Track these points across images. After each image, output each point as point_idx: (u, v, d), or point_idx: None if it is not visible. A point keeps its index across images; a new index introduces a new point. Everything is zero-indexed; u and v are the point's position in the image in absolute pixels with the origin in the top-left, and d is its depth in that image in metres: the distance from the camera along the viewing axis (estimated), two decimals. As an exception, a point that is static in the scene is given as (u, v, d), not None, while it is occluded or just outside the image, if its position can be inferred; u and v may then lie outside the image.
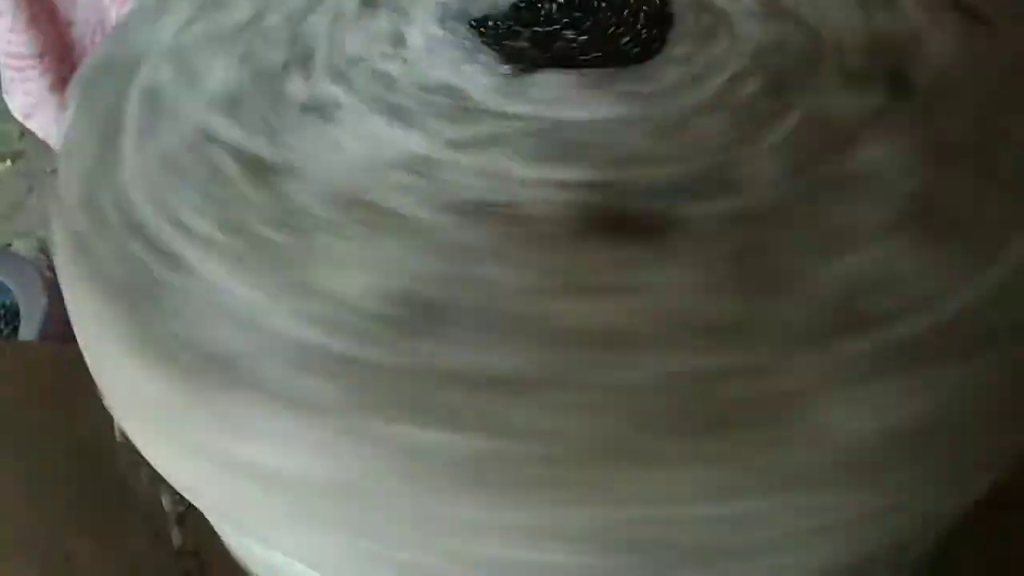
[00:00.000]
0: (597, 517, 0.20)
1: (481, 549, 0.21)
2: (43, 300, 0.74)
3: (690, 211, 0.25)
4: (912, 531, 0.26)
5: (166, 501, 0.41)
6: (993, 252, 0.24)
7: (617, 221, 0.24)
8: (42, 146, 0.71)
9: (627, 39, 0.31)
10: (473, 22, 0.31)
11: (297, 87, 0.30)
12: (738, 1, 0.33)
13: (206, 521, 0.33)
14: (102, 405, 0.40)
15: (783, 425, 0.21)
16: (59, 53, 0.63)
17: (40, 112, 0.66)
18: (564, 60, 0.30)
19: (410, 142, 0.27)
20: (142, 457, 0.29)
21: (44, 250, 0.97)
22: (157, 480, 0.31)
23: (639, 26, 0.31)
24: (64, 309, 0.37)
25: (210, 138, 0.29)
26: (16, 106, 0.66)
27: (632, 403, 0.21)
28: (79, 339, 0.30)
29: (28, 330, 0.70)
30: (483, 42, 0.31)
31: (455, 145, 0.26)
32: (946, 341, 0.23)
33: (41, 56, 0.62)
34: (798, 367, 0.21)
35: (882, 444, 0.21)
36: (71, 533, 0.44)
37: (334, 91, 0.30)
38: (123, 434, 0.38)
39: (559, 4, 0.32)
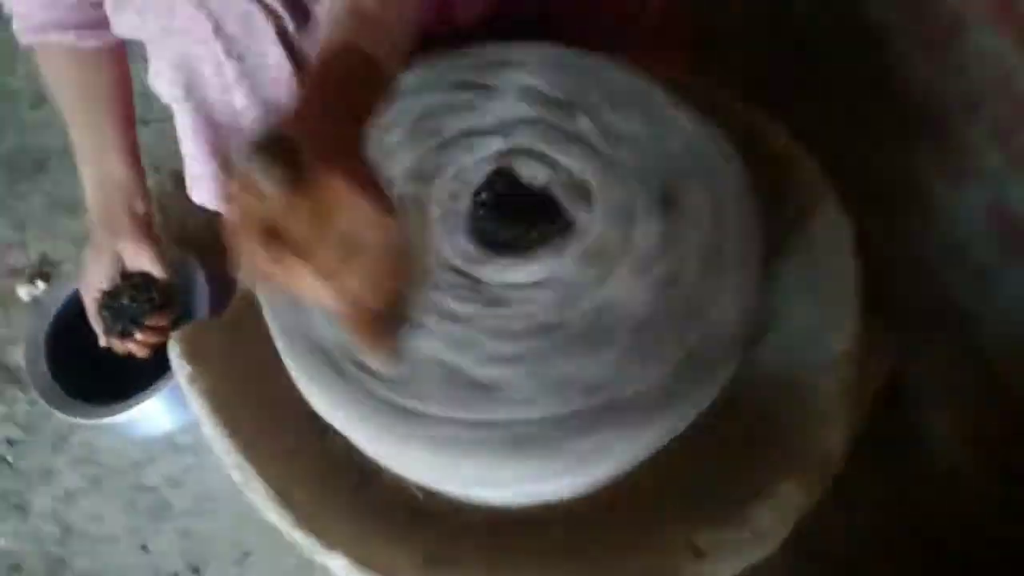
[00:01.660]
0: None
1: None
2: (201, 276, 0.98)
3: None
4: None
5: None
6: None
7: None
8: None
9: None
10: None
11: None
12: (587, 161, 0.63)
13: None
14: (256, 349, 0.74)
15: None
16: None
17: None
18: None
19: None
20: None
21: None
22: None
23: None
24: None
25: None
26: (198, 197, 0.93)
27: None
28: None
29: (200, 302, 0.97)
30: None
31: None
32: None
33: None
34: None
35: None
36: (269, 423, 0.76)
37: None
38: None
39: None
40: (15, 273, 1.22)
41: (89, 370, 0.99)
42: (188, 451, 1.01)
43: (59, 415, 0.94)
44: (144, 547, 0.96)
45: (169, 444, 1.02)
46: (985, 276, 0.87)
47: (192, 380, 0.74)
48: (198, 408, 0.73)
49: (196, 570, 0.94)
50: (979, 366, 0.87)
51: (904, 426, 0.90)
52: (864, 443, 0.67)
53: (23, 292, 1.13)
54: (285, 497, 0.67)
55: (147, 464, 1.01)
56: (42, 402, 0.94)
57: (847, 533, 0.85)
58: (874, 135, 0.96)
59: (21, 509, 1.01)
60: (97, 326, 0.85)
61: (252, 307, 0.81)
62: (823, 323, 0.69)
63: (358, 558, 0.64)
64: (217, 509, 0.97)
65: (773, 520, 0.60)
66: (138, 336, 0.83)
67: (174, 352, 0.76)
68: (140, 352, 0.84)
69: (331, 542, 0.65)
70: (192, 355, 0.76)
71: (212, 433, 0.72)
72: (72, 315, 1.01)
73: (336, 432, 0.78)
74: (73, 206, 1.26)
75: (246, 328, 0.83)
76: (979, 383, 0.87)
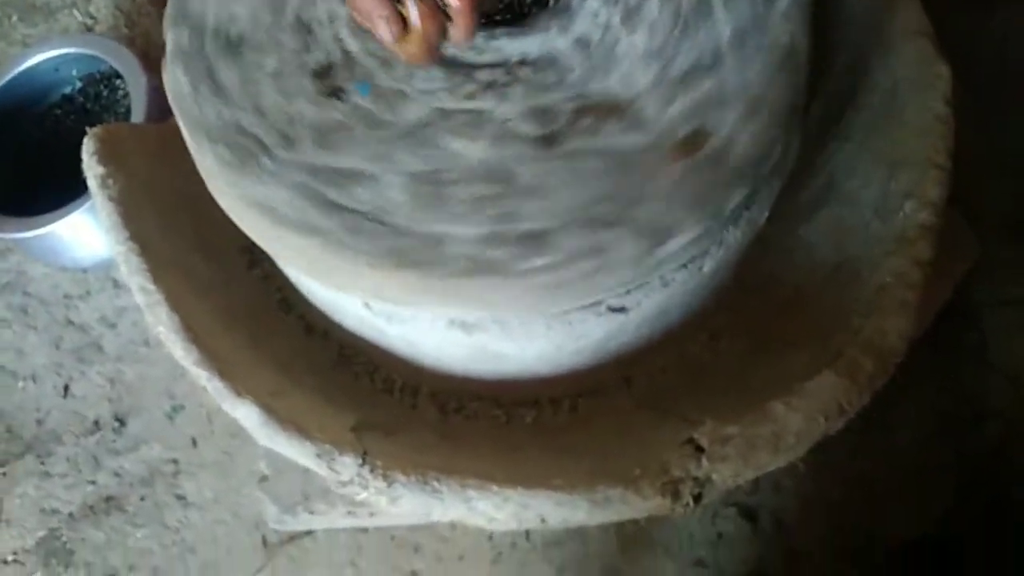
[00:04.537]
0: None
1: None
2: (144, 80, 0.86)
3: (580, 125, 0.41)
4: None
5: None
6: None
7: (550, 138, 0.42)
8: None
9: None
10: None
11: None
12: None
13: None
14: (195, 170, 0.60)
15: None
16: None
17: None
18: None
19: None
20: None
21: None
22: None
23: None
24: (160, 88, 0.56)
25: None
26: None
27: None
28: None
29: (137, 108, 0.84)
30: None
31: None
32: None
33: None
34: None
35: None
36: (188, 248, 0.63)
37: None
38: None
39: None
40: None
41: (20, 183, 0.86)
42: (126, 289, 0.88)
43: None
44: (67, 389, 0.85)
45: (107, 279, 0.90)
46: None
47: (102, 184, 0.60)
48: (105, 216, 0.59)
49: (121, 420, 0.83)
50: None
51: (959, 346, 0.75)
52: (910, 357, 0.52)
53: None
54: (193, 331, 0.54)
55: (80, 299, 0.89)
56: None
57: (878, 456, 0.71)
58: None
59: (-63, 334, 0.90)
60: None
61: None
62: (899, 189, 0.54)
63: (273, 410, 0.51)
64: (151, 356, 0.85)
65: (800, 418, 0.45)
66: None
67: (87, 151, 0.62)
68: None
69: (241, 388, 0.52)
70: (108, 156, 0.62)
71: (117, 249, 0.58)
72: (1, 115, 0.87)
73: (269, 265, 0.65)
74: (30, 9, 1.10)
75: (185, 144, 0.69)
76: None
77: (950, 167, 0.53)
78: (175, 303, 0.56)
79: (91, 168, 0.61)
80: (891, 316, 0.48)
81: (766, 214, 0.54)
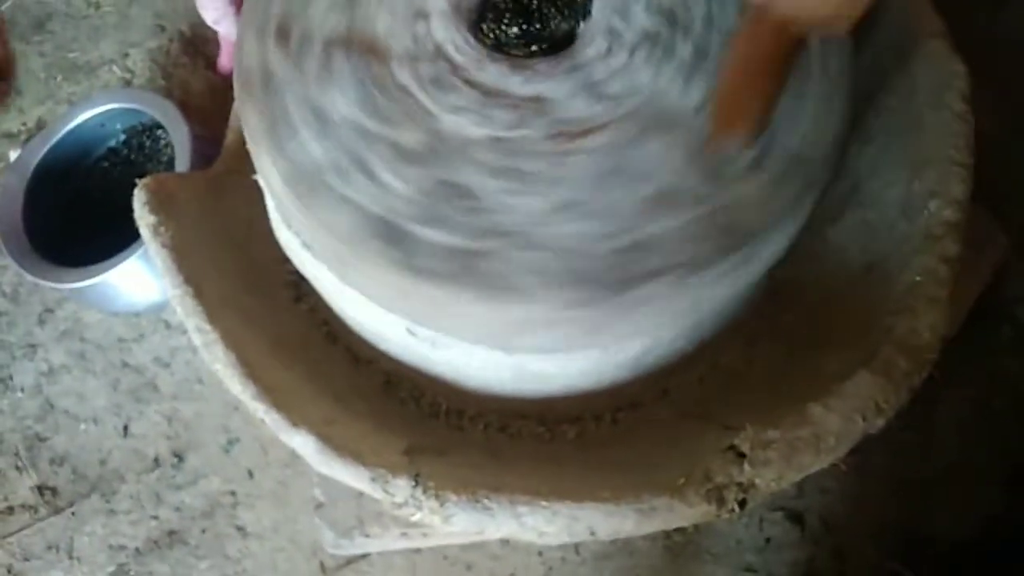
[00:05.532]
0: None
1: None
2: (185, 129, 0.90)
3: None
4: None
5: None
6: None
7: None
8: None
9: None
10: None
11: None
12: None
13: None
14: (239, 212, 0.63)
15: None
16: None
17: (225, 21, 0.89)
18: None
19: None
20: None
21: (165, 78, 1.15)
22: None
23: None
24: (201, 135, 0.59)
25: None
26: (209, 17, 0.90)
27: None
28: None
29: (181, 157, 0.88)
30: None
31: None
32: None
33: None
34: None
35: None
36: (237, 287, 0.66)
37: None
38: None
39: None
40: (9, 137, 1.13)
41: (73, 235, 0.90)
42: (178, 330, 0.92)
43: (43, 284, 0.86)
44: (126, 429, 0.89)
45: (159, 321, 0.93)
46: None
47: (155, 232, 0.63)
48: (159, 263, 0.62)
49: (179, 456, 0.86)
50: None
51: (995, 340, 0.76)
52: (948, 356, 0.53)
53: (14, 156, 1.04)
54: (248, 366, 0.57)
55: (134, 342, 0.93)
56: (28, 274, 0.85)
57: (922, 455, 0.72)
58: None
59: (3, 383, 0.94)
60: None
61: (241, 166, 0.70)
62: (922, 188, 0.55)
63: (327, 439, 0.53)
64: (205, 393, 0.89)
65: (838, 419, 0.46)
66: None
67: (139, 201, 0.65)
68: None
69: (297, 419, 0.54)
70: (159, 206, 0.65)
71: (173, 292, 0.61)
72: (53, 171, 0.92)
73: (314, 299, 0.68)
74: (72, 68, 1.16)
75: (231, 187, 0.73)
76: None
77: (972, 163, 0.54)
78: (230, 341, 0.58)
79: (143, 218, 0.64)
80: (923, 313, 0.49)
81: (793, 221, 0.56)
